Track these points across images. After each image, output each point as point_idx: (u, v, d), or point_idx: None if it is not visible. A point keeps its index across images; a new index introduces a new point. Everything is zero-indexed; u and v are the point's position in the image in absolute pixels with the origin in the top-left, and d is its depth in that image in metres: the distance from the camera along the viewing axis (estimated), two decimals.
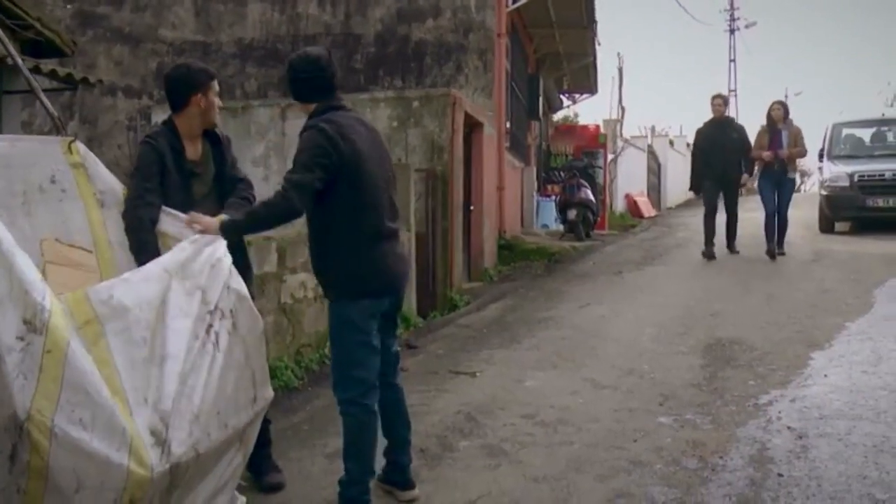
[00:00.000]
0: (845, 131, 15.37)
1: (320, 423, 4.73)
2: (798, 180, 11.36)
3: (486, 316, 8.10)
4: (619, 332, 6.92)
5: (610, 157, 22.06)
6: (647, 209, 23.80)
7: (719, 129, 10.63)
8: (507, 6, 12.16)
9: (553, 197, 17.31)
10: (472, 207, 10.23)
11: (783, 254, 10.51)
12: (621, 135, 25.46)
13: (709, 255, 10.70)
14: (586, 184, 15.61)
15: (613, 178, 22.91)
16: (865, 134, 15.41)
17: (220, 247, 3.23)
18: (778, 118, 10.37)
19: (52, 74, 8.62)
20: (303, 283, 5.84)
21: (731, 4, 43.63)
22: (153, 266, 3.04)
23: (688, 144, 37.22)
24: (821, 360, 5.61)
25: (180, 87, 3.61)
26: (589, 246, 14.00)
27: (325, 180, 3.31)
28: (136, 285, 2.89)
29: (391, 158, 3.73)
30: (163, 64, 12.13)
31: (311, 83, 3.50)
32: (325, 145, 3.33)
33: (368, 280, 3.41)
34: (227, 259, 3.21)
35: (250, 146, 9.78)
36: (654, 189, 28.58)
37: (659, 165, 29.83)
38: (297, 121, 9.93)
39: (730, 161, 10.49)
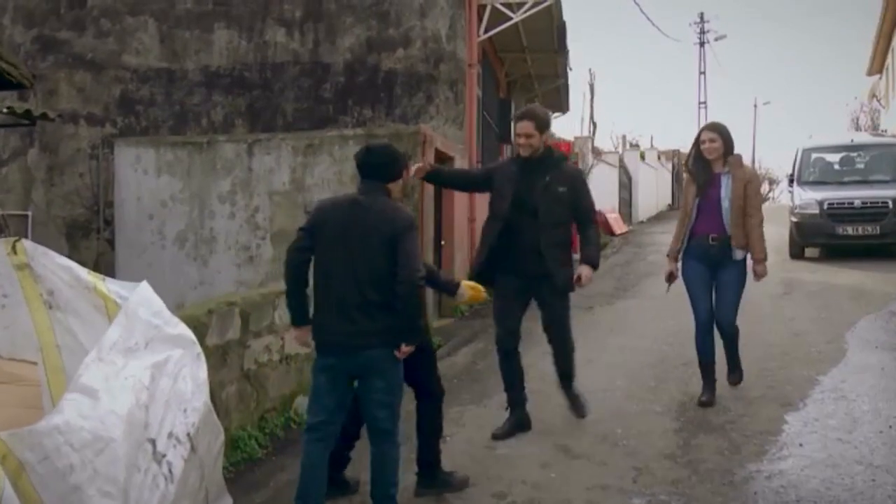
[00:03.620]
0: (814, 156, 15.51)
1: (285, 501, 4.55)
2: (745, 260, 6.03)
3: (456, 362, 7.96)
4: (591, 385, 6.76)
5: None
6: (619, 226, 23.83)
7: (529, 177, 5.36)
8: (478, 36, 12.05)
9: None
10: (443, 243, 10.10)
11: (737, 383, 6.29)
12: (592, 151, 25.51)
13: (513, 425, 5.60)
14: None
15: None
16: (834, 158, 15.54)
17: (183, 354, 3.06)
18: (714, 155, 5.84)
19: (10, 111, 8.43)
20: (267, 346, 5.65)
21: (701, 18, 44.15)
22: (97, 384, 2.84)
23: (659, 156, 37.45)
24: (795, 425, 5.53)
25: (398, 162, 4.32)
26: None
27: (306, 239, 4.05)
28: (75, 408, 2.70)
29: (381, 235, 4.00)
30: (127, 91, 11.86)
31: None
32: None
33: (314, 334, 3.97)
34: (190, 369, 3.05)
35: (216, 181, 9.58)
36: (626, 204, 28.69)
37: (630, 179, 29.96)
38: (263, 157, 9.77)
39: (548, 238, 5.35)
